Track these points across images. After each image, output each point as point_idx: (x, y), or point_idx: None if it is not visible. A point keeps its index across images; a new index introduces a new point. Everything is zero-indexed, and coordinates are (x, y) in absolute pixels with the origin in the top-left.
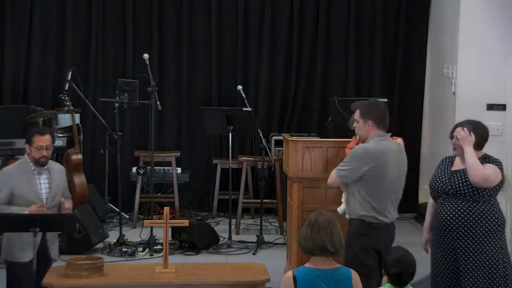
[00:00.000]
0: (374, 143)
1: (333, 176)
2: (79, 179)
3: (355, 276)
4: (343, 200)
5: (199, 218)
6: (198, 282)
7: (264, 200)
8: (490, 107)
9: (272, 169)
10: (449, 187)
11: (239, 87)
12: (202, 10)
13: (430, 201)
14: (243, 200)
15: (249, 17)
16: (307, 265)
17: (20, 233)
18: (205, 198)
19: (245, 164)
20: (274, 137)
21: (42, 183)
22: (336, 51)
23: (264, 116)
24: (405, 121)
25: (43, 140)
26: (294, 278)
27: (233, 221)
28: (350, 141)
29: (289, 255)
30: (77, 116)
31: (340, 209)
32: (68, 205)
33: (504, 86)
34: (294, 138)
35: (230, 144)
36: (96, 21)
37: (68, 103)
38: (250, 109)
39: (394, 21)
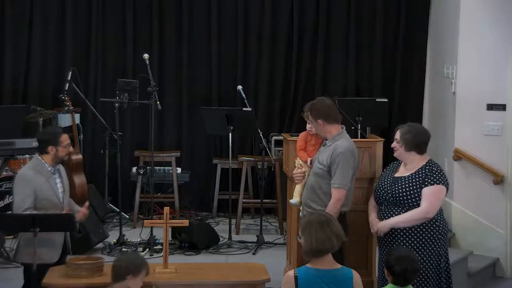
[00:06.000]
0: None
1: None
2: (79, 179)
3: (356, 277)
4: (297, 193)
5: (199, 218)
6: (198, 282)
7: (264, 200)
8: (490, 107)
9: (272, 169)
10: (390, 195)
11: (239, 87)
12: (202, 10)
13: (372, 200)
14: (243, 200)
15: (249, 17)
16: (308, 265)
17: (49, 233)
18: (205, 198)
19: (245, 164)
20: (274, 137)
21: (57, 183)
22: (336, 51)
23: (264, 116)
24: (405, 121)
25: (67, 137)
26: (296, 278)
27: (233, 221)
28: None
29: (289, 255)
30: (77, 116)
31: (295, 201)
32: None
33: (504, 86)
34: (294, 138)
35: (230, 144)
36: (96, 21)
37: (68, 103)
38: (250, 109)
39: (394, 21)
